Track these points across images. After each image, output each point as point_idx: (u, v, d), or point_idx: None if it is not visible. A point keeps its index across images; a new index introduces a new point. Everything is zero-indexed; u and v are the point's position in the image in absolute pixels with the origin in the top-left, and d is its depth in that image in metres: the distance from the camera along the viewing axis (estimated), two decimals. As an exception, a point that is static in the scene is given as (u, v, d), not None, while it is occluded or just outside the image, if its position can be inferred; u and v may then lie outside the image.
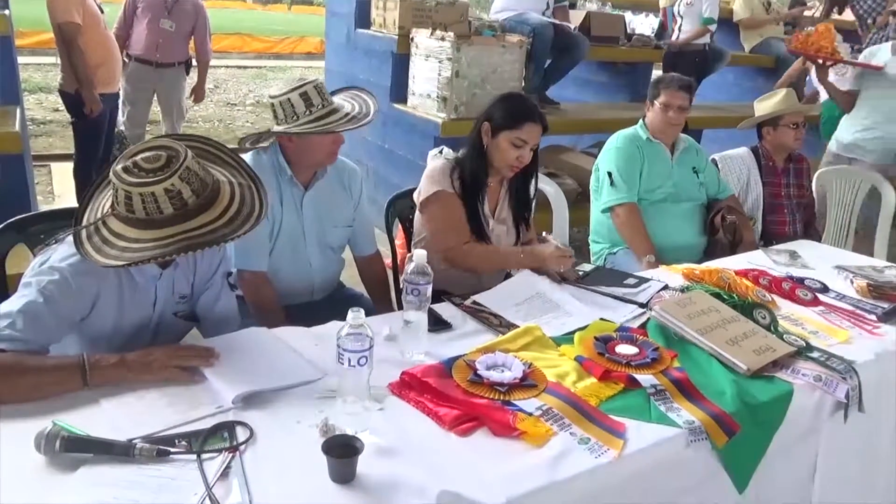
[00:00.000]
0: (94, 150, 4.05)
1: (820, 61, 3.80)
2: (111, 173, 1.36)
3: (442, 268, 2.17)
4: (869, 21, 5.54)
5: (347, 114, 1.92)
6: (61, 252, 1.42)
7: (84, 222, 1.43)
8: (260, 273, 1.97)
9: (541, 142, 2.16)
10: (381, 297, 2.19)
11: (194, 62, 4.68)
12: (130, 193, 1.34)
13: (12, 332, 1.30)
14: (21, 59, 3.81)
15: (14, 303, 1.34)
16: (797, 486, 1.64)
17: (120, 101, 4.37)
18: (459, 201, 2.13)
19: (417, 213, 2.25)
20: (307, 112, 1.86)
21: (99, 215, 1.42)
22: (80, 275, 1.39)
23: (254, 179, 1.52)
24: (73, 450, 1.12)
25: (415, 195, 2.24)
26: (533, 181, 2.26)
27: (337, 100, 1.96)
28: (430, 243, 2.14)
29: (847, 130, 3.80)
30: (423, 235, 2.22)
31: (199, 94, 4.86)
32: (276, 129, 1.90)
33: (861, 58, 3.93)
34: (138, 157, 1.36)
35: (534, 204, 2.33)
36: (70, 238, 1.42)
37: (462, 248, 2.11)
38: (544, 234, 2.12)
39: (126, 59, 4.34)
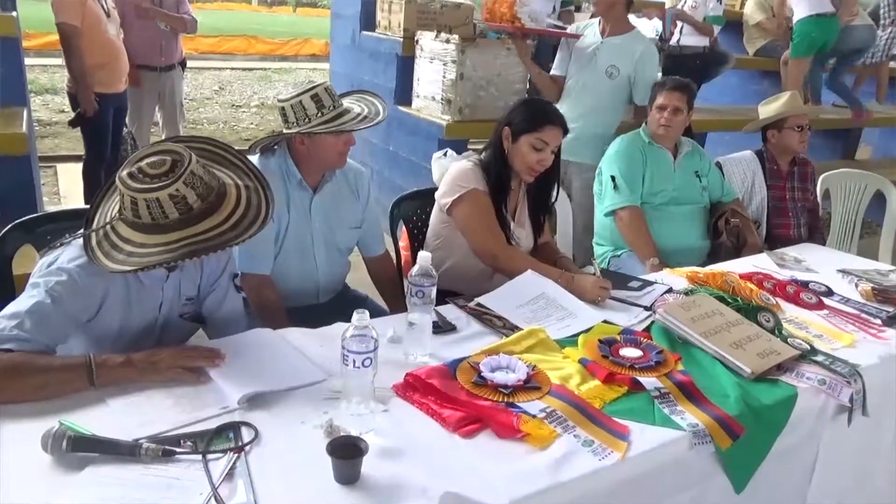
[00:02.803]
0: (101, 150, 4.05)
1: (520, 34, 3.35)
2: (117, 178, 1.37)
3: (446, 265, 2.17)
4: None
5: (359, 114, 1.93)
6: (69, 253, 1.42)
7: (94, 226, 1.44)
8: (263, 276, 1.97)
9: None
10: (393, 296, 2.20)
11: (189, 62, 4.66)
12: (136, 199, 1.35)
13: (20, 332, 1.31)
14: (27, 61, 3.82)
15: (22, 303, 1.35)
16: (794, 487, 1.64)
17: (129, 111, 4.37)
18: (490, 201, 2.14)
19: (438, 214, 2.24)
20: (319, 114, 1.87)
21: (107, 219, 1.43)
22: (87, 276, 1.40)
23: (260, 181, 1.52)
24: (80, 449, 1.13)
25: (437, 195, 2.23)
26: (555, 185, 2.27)
27: (345, 102, 1.97)
28: (472, 242, 2.15)
29: None
30: (442, 238, 2.22)
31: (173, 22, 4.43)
32: (290, 130, 1.91)
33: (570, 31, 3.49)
34: (143, 163, 1.37)
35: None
36: (78, 240, 1.43)
37: (507, 249, 2.12)
38: (592, 260, 2.14)
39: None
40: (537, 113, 2.13)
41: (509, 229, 2.20)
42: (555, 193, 2.30)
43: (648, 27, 5.80)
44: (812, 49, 5.40)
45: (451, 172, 2.20)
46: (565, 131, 2.15)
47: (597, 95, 3.27)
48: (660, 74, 3.36)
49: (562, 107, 3.25)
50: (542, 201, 2.29)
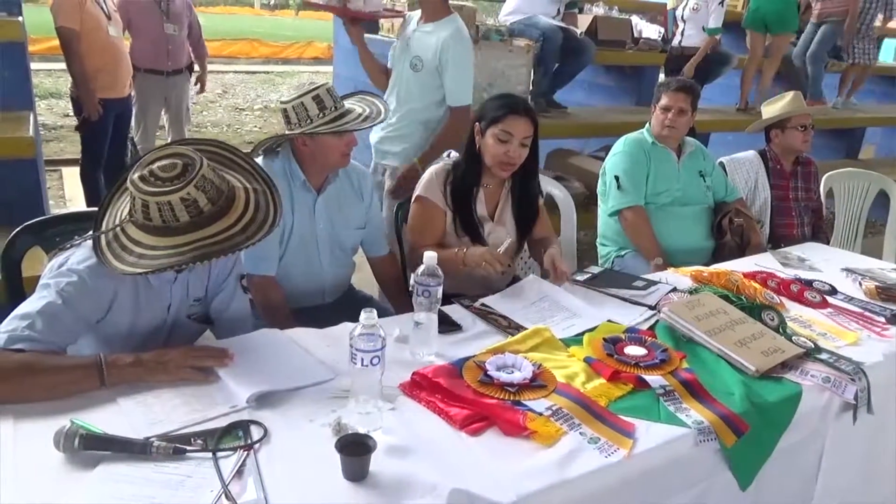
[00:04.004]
0: (97, 155, 4.05)
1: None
2: (128, 181, 1.39)
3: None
4: None
5: (360, 114, 1.95)
6: (79, 255, 1.44)
7: (103, 228, 1.45)
8: (269, 277, 1.99)
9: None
10: (397, 297, 2.21)
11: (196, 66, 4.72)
12: (147, 202, 1.36)
13: (31, 332, 1.32)
14: (32, 65, 3.84)
15: (33, 304, 1.37)
16: (799, 485, 1.65)
17: (133, 115, 4.40)
18: (440, 210, 2.13)
19: None
20: (320, 115, 1.89)
21: (117, 221, 1.44)
22: (97, 277, 1.42)
23: (268, 184, 1.54)
24: (92, 448, 1.14)
25: None
26: (533, 181, 2.22)
27: (347, 104, 1.99)
28: None
29: (376, 128, 2.89)
30: None
31: (203, 84, 4.88)
32: (292, 131, 1.92)
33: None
34: (154, 166, 1.38)
35: (540, 204, 2.29)
36: (88, 242, 1.45)
37: (416, 252, 2.10)
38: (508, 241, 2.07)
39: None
40: (500, 103, 2.11)
41: (482, 228, 2.16)
42: (536, 189, 2.24)
43: (652, 29, 5.82)
44: (756, 21, 5.56)
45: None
46: (535, 123, 2.09)
47: (406, 91, 2.81)
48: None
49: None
50: (524, 198, 2.23)
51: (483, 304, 1.87)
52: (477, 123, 2.14)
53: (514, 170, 2.13)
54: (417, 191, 2.17)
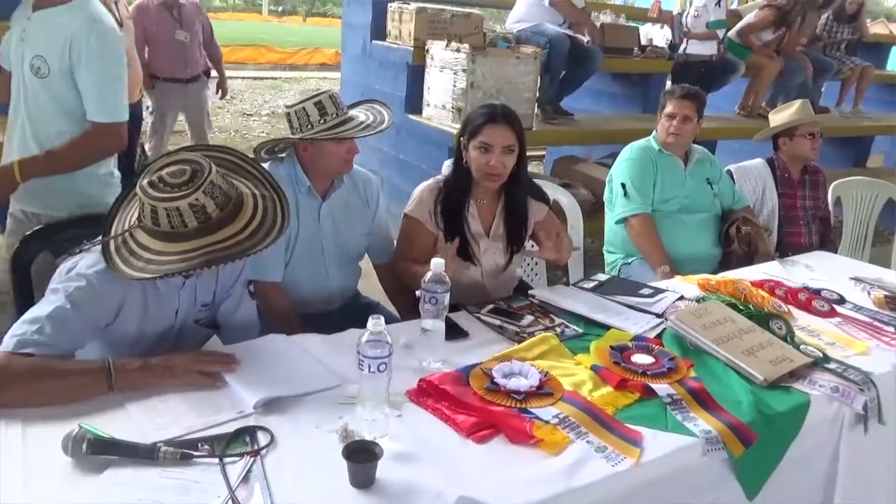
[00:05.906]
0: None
1: None
2: (137, 187, 1.40)
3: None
4: None
5: (362, 122, 1.95)
6: (88, 260, 1.45)
7: (112, 233, 1.46)
8: (274, 283, 1.99)
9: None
10: (404, 304, 2.20)
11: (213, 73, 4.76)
12: (156, 208, 1.37)
13: (40, 336, 1.33)
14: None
15: (42, 308, 1.37)
16: (811, 496, 1.63)
17: (148, 125, 4.40)
18: (426, 230, 2.09)
19: None
20: (321, 121, 1.90)
21: (126, 226, 1.45)
22: (106, 282, 1.42)
23: (276, 190, 1.54)
24: (99, 452, 1.15)
25: None
26: (520, 188, 2.14)
27: (353, 112, 2.00)
28: None
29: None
30: None
31: (224, 88, 5.04)
32: (294, 136, 1.94)
33: None
34: (164, 172, 1.39)
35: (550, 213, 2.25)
36: (97, 247, 1.45)
37: (397, 264, 2.10)
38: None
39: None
40: (478, 114, 2.06)
41: (478, 246, 2.12)
42: (528, 198, 2.17)
43: (660, 35, 5.82)
44: None
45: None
46: (515, 129, 2.02)
47: (33, 103, 2.00)
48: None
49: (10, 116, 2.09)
50: (512, 206, 2.16)
51: (492, 310, 1.87)
52: (461, 137, 2.10)
53: (503, 180, 2.07)
54: (406, 208, 2.13)
